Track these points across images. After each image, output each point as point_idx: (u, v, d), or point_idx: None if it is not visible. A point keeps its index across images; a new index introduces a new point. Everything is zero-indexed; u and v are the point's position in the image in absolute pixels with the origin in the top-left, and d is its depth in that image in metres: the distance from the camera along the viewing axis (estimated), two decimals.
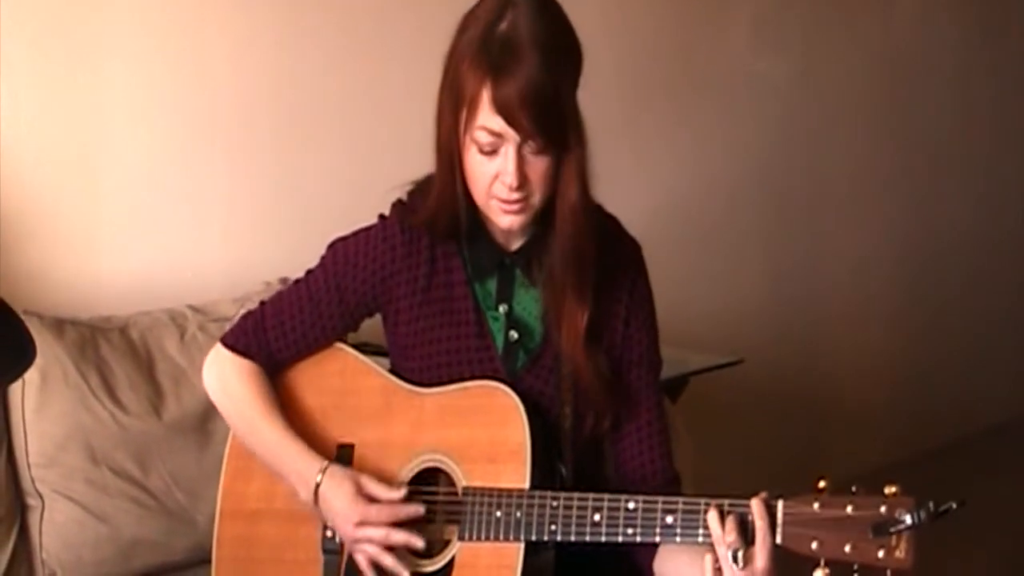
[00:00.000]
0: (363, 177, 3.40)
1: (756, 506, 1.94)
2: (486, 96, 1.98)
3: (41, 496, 2.74)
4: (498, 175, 2.04)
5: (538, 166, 2.04)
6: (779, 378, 4.51)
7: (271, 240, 3.30)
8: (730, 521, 1.94)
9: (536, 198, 2.08)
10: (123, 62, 3.07)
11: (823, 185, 4.86)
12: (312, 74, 3.39)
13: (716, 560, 1.95)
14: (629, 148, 3.87)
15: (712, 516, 1.96)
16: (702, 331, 3.89)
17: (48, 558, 2.74)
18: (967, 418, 5.39)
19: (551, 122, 2.00)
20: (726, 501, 1.97)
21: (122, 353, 2.84)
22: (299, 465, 2.20)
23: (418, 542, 2.13)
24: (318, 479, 2.16)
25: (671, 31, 4.26)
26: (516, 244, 2.19)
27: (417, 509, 2.15)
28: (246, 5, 3.27)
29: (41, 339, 2.73)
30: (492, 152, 2.03)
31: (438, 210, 2.14)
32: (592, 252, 2.13)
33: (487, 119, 2.00)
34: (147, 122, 3.13)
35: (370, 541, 2.14)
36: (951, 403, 5.37)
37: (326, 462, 2.18)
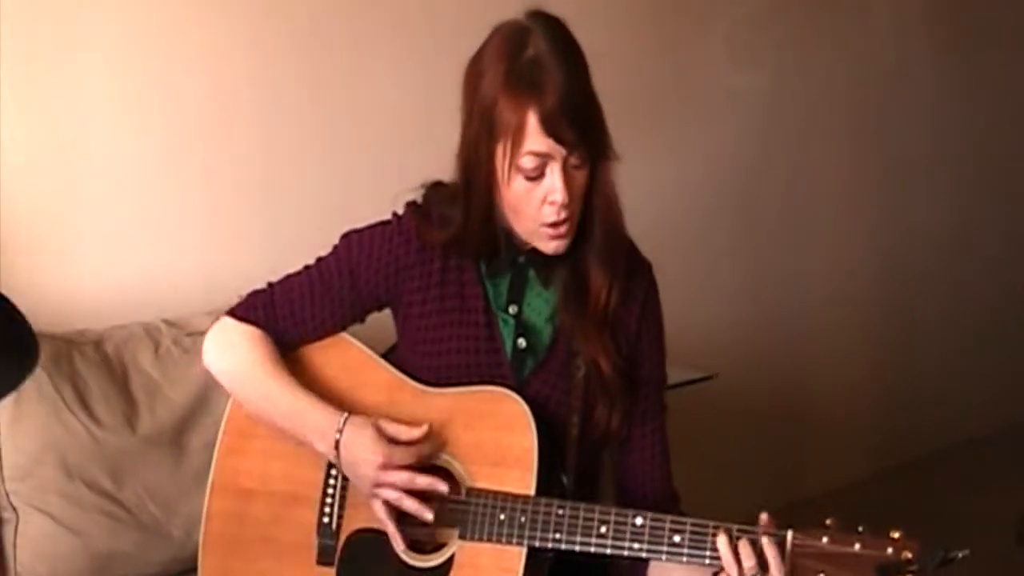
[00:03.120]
0: (341, 191, 3.40)
1: (767, 535, 1.97)
2: (532, 120, 2.05)
3: (15, 509, 2.74)
4: (545, 198, 2.09)
5: (579, 180, 2.11)
6: (754, 393, 4.52)
7: (247, 254, 3.30)
8: (746, 546, 1.97)
9: (576, 216, 2.14)
10: (99, 74, 3.08)
11: (800, 199, 4.87)
12: (288, 89, 3.39)
13: None
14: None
15: (722, 540, 1.98)
16: (676, 345, 3.88)
17: (22, 571, 2.74)
18: (945, 432, 5.40)
19: (593, 129, 2.10)
20: (734, 527, 2.00)
21: (97, 367, 2.84)
22: (317, 418, 2.20)
23: (442, 485, 2.13)
24: (339, 428, 2.16)
25: (648, 46, 4.27)
26: (531, 245, 2.22)
27: (438, 449, 2.15)
28: (224, 17, 3.27)
29: None
30: (538, 176, 2.08)
31: (466, 235, 2.18)
32: (624, 246, 2.23)
33: (534, 143, 2.05)
34: (123, 135, 3.13)
35: (393, 485, 2.13)
36: (929, 417, 5.38)
37: (345, 413, 2.18)
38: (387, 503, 2.15)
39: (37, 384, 2.75)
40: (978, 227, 5.69)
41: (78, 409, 2.78)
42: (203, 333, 2.81)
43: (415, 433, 2.16)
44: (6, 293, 2.91)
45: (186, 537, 2.58)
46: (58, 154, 3.04)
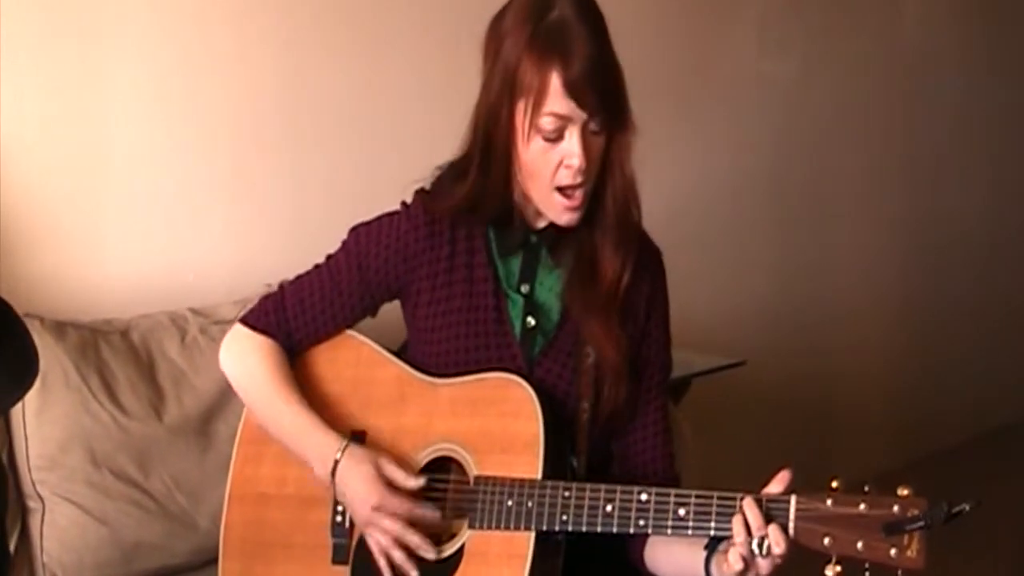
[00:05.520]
0: (365, 180, 3.40)
1: (770, 501, 1.95)
2: (555, 82, 2.05)
3: (42, 499, 2.74)
4: (562, 161, 2.10)
5: (596, 147, 2.12)
6: (782, 380, 4.51)
7: (273, 243, 3.30)
8: (754, 513, 1.95)
9: (589, 185, 2.14)
10: (126, 65, 3.07)
11: (828, 186, 4.86)
12: (315, 78, 3.39)
13: (740, 552, 1.95)
14: (635, 148, 3.85)
15: (737, 517, 1.96)
16: (705, 332, 3.88)
17: (49, 561, 2.73)
18: (974, 420, 5.39)
19: (614, 97, 2.10)
20: (738, 495, 1.97)
21: (123, 356, 2.84)
22: (318, 443, 2.20)
23: (429, 552, 2.13)
24: (337, 456, 2.16)
25: (677, 32, 4.26)
26: (543, 222, 2.22)
27: (434, 514, 2.15)
28: (252, 7, 3.27)
29: (42, 342, 2.73)
30: (557, 138, 2.09)
31: (483, 196, 2.18)
32: (638, 226, 2.22)
33: (556, 104, 2.06)
34: (148, 124, 3.12)
35: (383, 531, 2.14)
36: (958, 405, 5.36)
37: (345, 440, 2.18)
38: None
39: (63, 373, 2.75)
40: (1005, 214, 5.67)
41: (104, 398, 2.78)
42: (230, 322, 2.81)
43: (412, 482, 2.15)
44: (33, 283, 2.94)
45: (212, 527, 2.57)
46: (85, 144, 3.04)
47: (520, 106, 2.09)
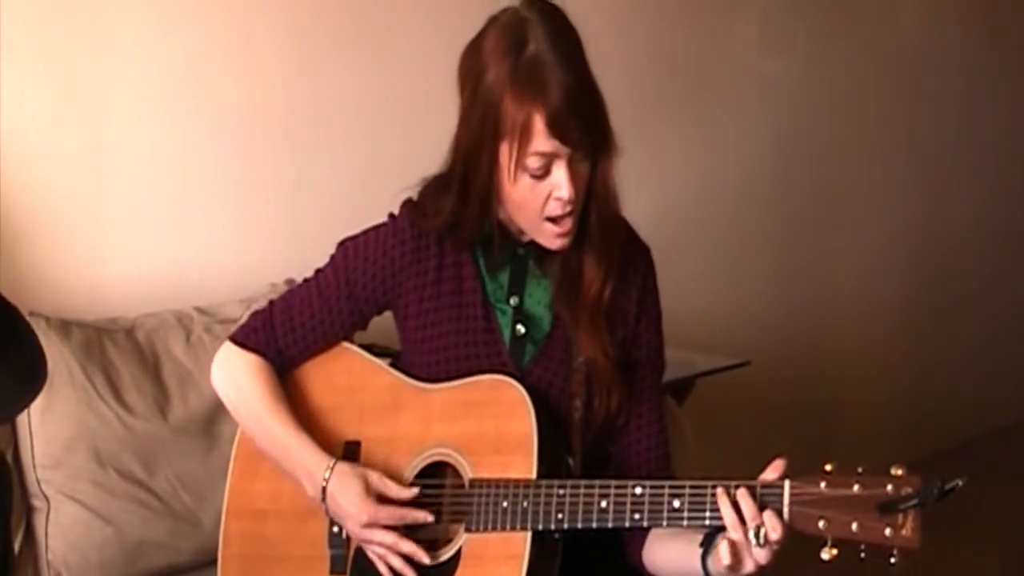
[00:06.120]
0: (370, 179, 3.39)
1: (764, 487, 1.95)
2: (539, 123, 2.04)
3: (47, 498, 2.74)
4: (551, 194, 2.09)
5: (582, 174, 2.11)
6: (786, 380, 4.50)
7: (277, 242, 3.30)
8: (747, 502, 1.94)
9: (578, 210, 2.14)
10: (130, 61, 3.08)
11: (831, 187, 4.86)
12: (320, 75, 3.39)
13: (733, 544, 1.94)
14: (637, 151, 3.80)
15: (723, 499, 1.95)
16: (709, 333, 3.88)
17: (54, 559, 2.74)
18: (976, 420, 5.38)
19: (596, 126, 2.09)
20: (732, 483, 1.97)
21: (128, 355, 2.84)
22: (307, 462, 2.21)
23: (424, 558, 2.14)
24: (326, 475, 2.17)
25: (679, 33, 4.26)
26: (528, 236, 2.21)
27: (425, 515, 2.15)
28: (255, 5, 3.27)
29: (47, 341, 2.73)
30: (544, 174, 2.08)
31: (463, 220, 2.17)
32: (620, 234, 2.21)
33: (541, 144, 2.05)
34: (154, 122, 3.13)
35: (378, 544, 2.15)
36: (959, 405, 5.36)
37: (333, 460, 2.19)
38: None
39: (69, 372, 2.75)
40: (1008, 215, 5.66)
41: (110, 397, 2.78)
42: (235, 321, 2.83)
43: (403, 493, 2.16)
44: (38, 281, 2.94)
45: (217, 526, 2.58)
46: (88, 143, 3.04)
47: (504, 147, 2.07)
